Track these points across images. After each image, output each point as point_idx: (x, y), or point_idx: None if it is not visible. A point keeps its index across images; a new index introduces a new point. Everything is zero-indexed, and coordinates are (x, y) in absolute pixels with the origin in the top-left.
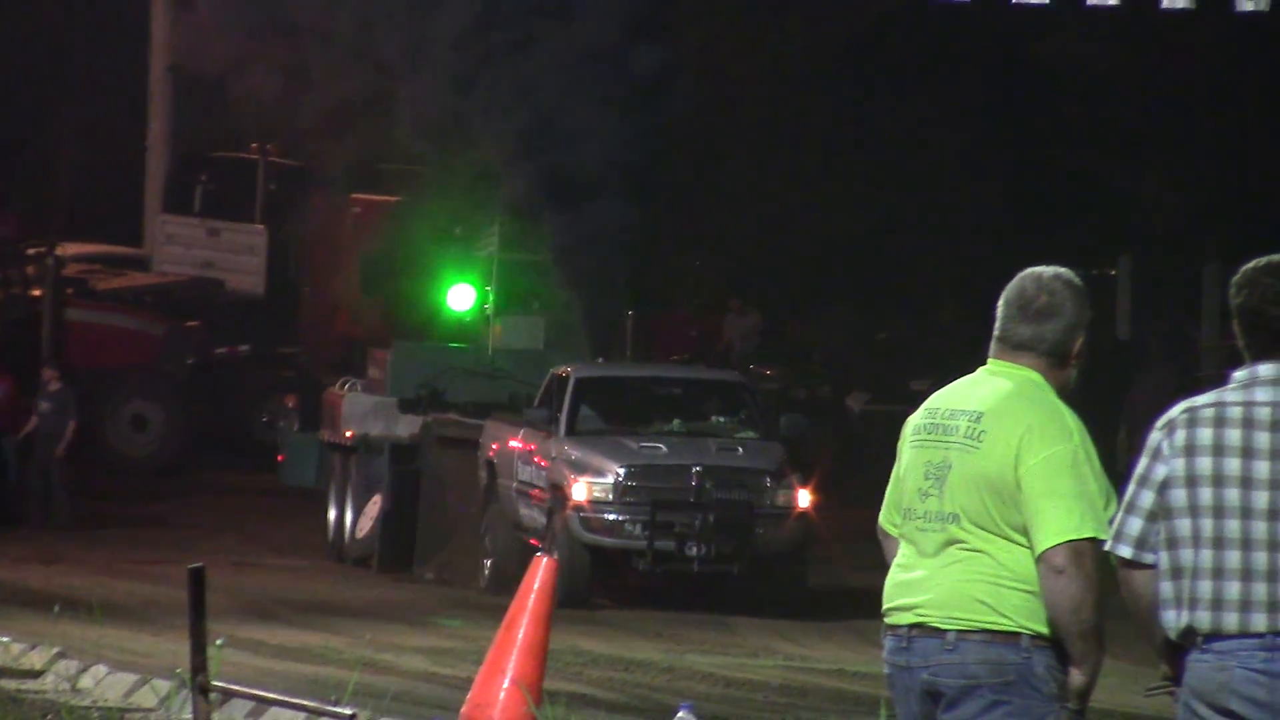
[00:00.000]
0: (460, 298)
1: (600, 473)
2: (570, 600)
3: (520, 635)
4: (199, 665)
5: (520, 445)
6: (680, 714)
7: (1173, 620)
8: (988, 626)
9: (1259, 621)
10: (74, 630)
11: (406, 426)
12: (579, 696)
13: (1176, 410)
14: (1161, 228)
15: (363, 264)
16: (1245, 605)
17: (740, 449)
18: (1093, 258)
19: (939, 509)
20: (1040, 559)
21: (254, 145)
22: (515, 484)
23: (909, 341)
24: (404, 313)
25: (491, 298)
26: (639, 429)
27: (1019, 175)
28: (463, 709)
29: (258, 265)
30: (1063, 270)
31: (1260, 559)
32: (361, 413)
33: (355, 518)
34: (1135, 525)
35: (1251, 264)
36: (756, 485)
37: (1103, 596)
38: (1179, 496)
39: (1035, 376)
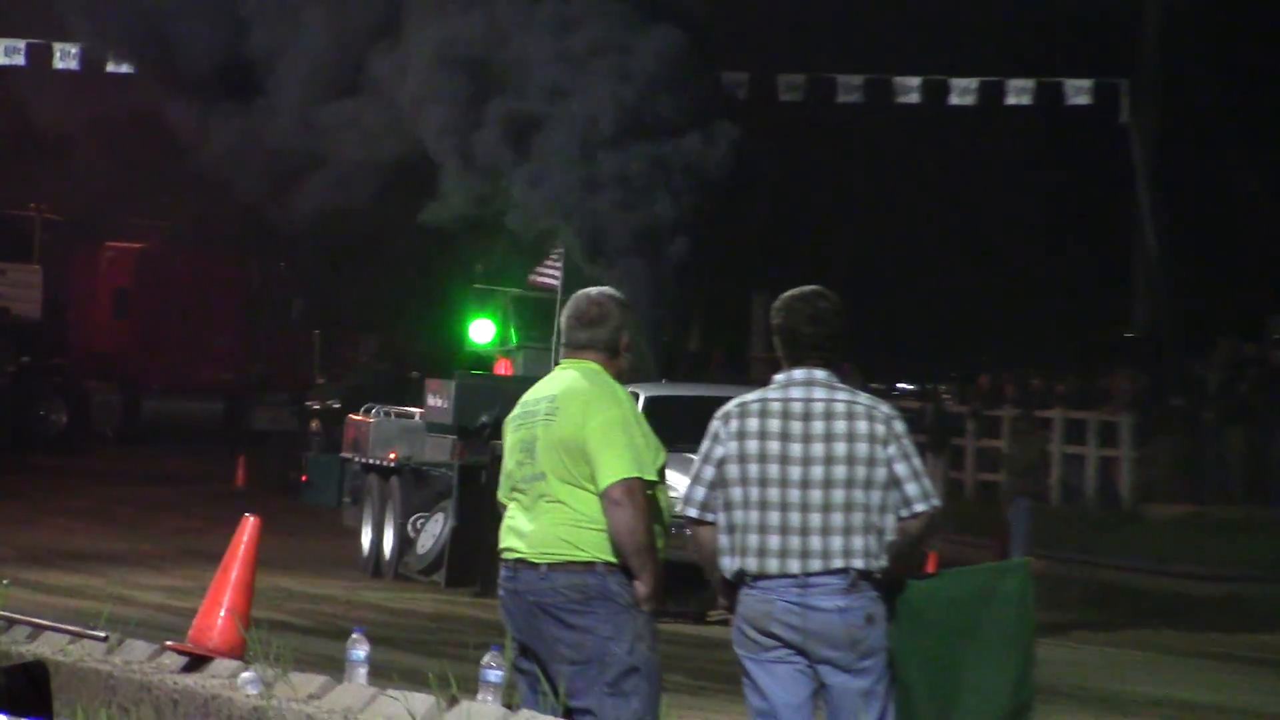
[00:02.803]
0: (481, 331)
1: (673, 488)
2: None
3: (233, 575)
4: None
5: None
6: (354, 635)
7: (729, 565)
8: (571, 558)
9: (794, 565)
10: None
11: (434, 450)
12: (279, 623)
13: (731, 405)
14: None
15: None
16: (783, 553)
17: None
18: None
19: (532, 472)
20: (602, 495)
21: (32, 205)
22: None
23: None
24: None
25: (514, 333)
26: None
27: None
28: (189, 633)
29: (35, 296)
30: (606, 288)
31: (795, 519)
32: (390, 436)
33: (400, 534)
34: (700, 493)
35: (788, 293)
36: None
37: (651, 523)
38: (733, 471)
39: (595, 366)
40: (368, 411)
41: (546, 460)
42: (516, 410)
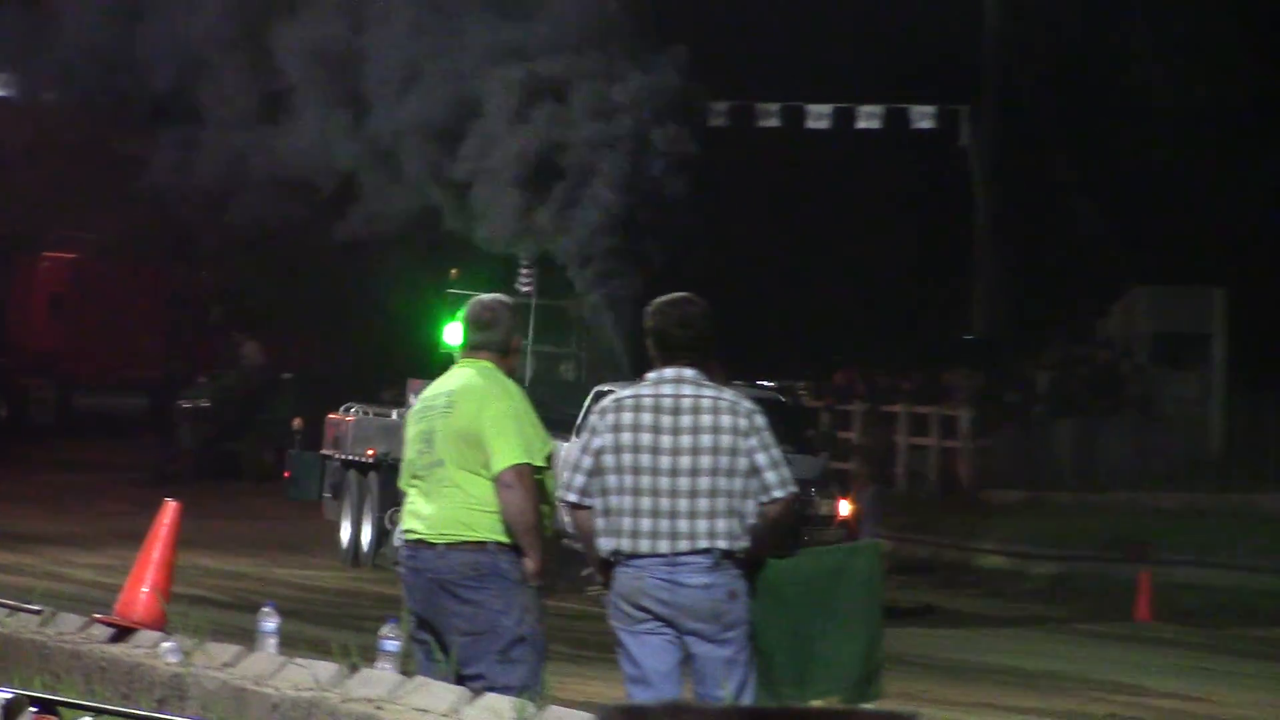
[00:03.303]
0: (454, 334)
1: None
2: None
3: (155, 555)
4: None
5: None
6: (265, 609)
7: (605, 545)
8: (465, 538)
9: (664, 546)
10: None
11: None
12: (197, 598)
13: (607, 400)
14: None
15: None
16: (654, 535)
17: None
18: None
19: (431, 460)
20: (495, 479)
21: None
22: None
23: None
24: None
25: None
26: None
27: None
28: (116, 607)
29: None
30: (499, 295)
31: (664, 504)
32: (368, 434)
33: (378, 527)
34: (579, 480)
35: (660, 299)
36: (803, 495)
37: (539, 505)
38: (609, 460)
39: (488, 365)
40: (347, 411)
41: (444, 449)
42: (417, 405)
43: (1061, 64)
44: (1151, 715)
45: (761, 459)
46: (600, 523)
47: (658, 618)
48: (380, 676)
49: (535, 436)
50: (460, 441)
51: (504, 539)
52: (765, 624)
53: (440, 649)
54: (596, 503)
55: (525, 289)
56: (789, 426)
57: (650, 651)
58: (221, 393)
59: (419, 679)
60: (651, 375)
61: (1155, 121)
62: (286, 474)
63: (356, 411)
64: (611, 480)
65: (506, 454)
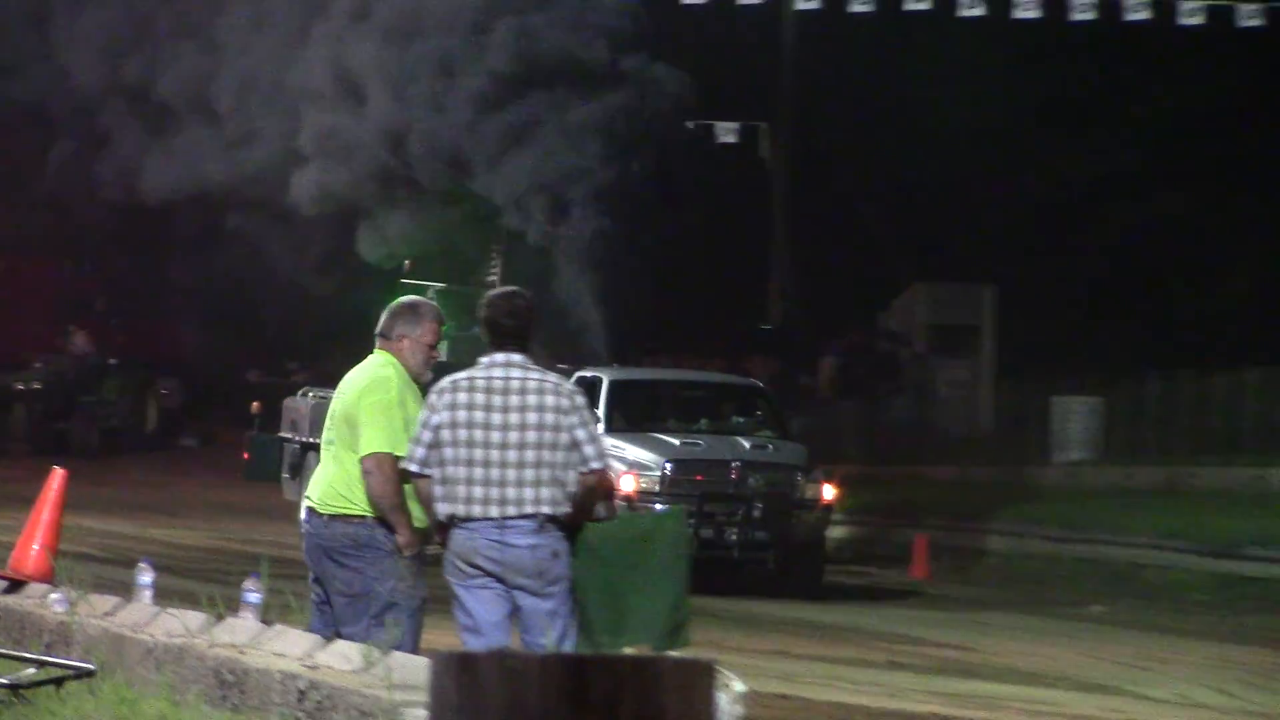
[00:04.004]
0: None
1: (647, 466)
2: None
3: (44, 516)
4: None
5: None
6: (141, 564)
7: (442, 510)
8: (345, 511)
9: (494, 511)
10: None
11: None
12: (82, 554)
13: (444, 381)
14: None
15: None
16: (485, 501)
17: (770, 446)
18: None
19: (329, 437)
20: (360, 463)
21: None
22: None
23: None
24: None
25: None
26: (668, 428)
27: None
28: (9, 562)
29: None
30: (411, 297)
31: (495, 473)
32: (324, 416)
33: None
34: (419, 452)
35: (491, 292)
36: (789, 479)
37: (401, 487)
38: (446, 435)
39: (389, 358)
40: (305, 394)
41: (335, 428)
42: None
43: (849, 86)
44: (926, 662)
45: (581, 434)
46: (438, 490)
47: (488, 574)
48: (243, 625)
49: (404, 429)
50: (344, 423)
51: (376, 512)
52: (584, 580)
53: (328, 603)
54: (435, 472)
55: (492, 278)
56: (771, 415)
57: (482, 604)
58: (53, 377)
59: (278, 627)
60: (484, 360)
61: (932, 138)
62: (245, 455)
63: (314, 395)
64: (448, 453)
65: (370, 441)
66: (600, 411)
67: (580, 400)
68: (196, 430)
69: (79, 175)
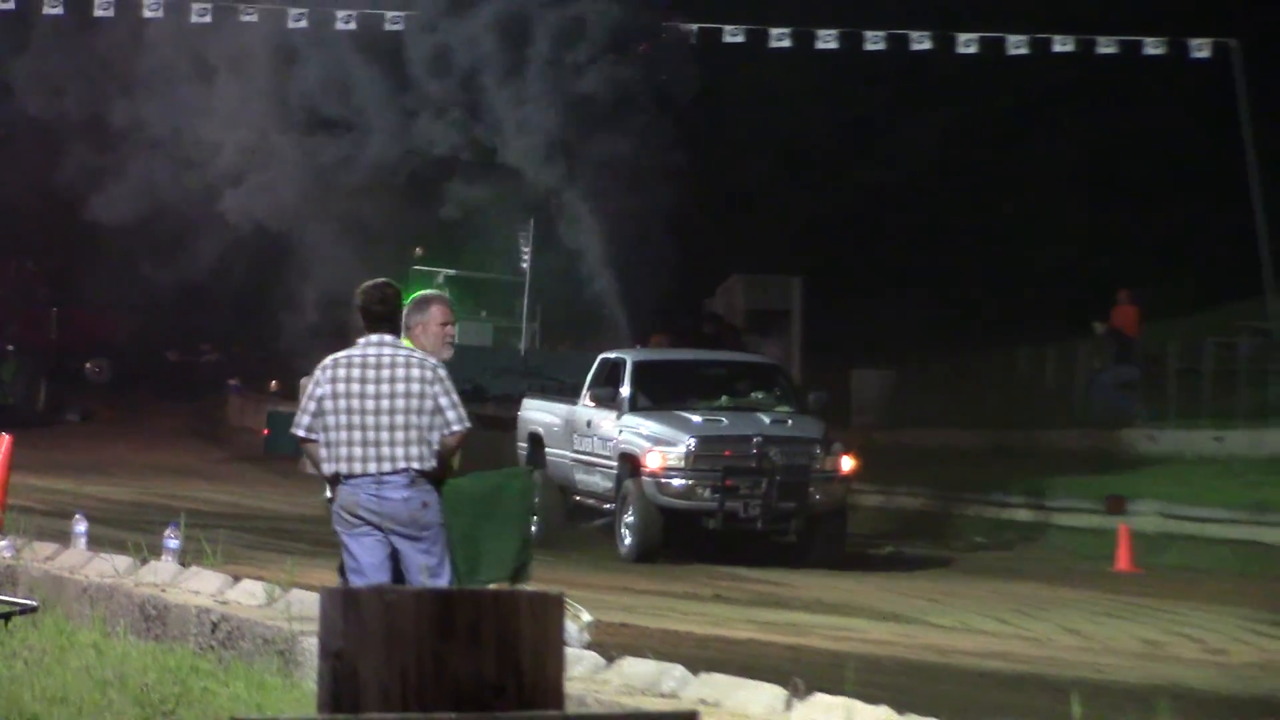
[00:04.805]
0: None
1: (672, 443)
2: (645, 555)
3: None
4: None
5: (578, 420)
6: (77, 516)
7: (329, 468)
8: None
9: (372, 468)
10: None
11: None
12: (26, 508)
13: (328, 359)
14: None
15: None
16: (364, 459)
17: (789, 421)
18: None
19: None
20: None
21: None
22: (572, 454)
23: None
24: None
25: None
26: (691, 405)
27: None
28: None
29: None
30: (421, 292)
31: (371, 435)
32: None
33: None
34: (305, 420)
35: (366, 283)
36: (809, 452)
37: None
38: (329, 404)
39: (409, 344)
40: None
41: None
42: None
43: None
44: (745, 595)
45: (444, 400)
46: (323, 452)
47: (369, 524)
48: (164, 567)
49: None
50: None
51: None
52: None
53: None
54: (320, 437)
55: (524, 264)
56: (786, 392)
57: (365, 549)
58: None
59: (193, 569)
60: (360, 340)
61: (753, 149)
62: (265, 431)
63: None
64: (330, 420)
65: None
66: (625, 391)
67: (442, 373)
68: (78, 407)
69: (23, 176)
